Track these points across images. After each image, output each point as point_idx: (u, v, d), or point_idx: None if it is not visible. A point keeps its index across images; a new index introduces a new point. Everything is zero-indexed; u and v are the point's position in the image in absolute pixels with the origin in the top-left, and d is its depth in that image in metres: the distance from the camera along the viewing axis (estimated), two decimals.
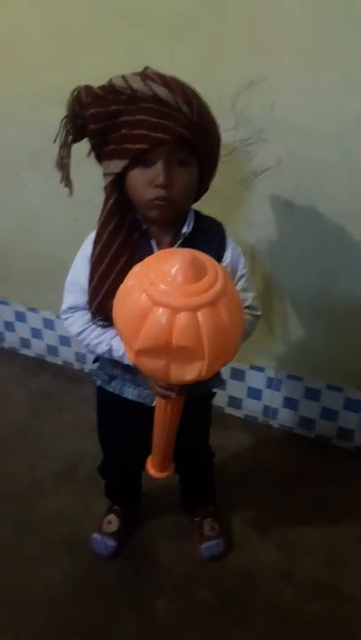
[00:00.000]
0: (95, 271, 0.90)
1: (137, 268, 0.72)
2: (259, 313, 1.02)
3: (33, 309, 1.85)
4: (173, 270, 0.66)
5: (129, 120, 0.81)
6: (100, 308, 0.89)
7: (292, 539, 1.31)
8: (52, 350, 1.91)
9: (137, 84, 0.80)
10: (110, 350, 0.95)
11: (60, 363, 1.92)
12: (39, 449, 1.56)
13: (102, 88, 0.82)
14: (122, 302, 0.71)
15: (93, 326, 0.96)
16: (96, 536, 1.27)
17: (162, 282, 0.66)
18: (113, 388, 1.05)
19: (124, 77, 0.81)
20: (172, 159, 0.82)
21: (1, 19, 1.38)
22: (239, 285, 0.98)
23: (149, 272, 0.68)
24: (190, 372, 0.70)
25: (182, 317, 0.65)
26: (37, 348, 1.93)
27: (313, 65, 1.13)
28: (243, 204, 1.34)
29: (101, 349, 0.96)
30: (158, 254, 0.74)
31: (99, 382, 1.08)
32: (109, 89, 0.81)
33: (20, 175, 1.60)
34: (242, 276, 0.98)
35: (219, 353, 0.69)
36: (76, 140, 0.88)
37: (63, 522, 1.34)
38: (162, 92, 0.79)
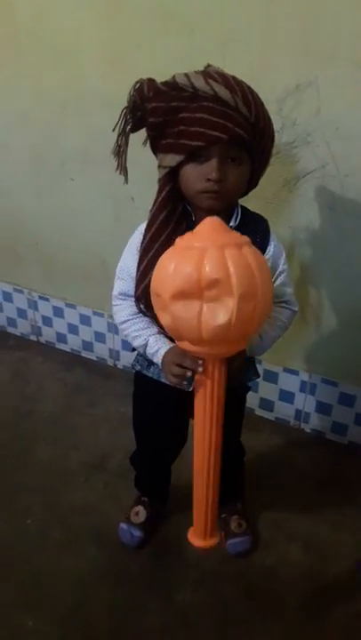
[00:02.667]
0: (144, 257, 0.93)
1: (170, 248, 0.80)
2: (296, 308, 1.04)
3: (71, 305, 1.90)
4: (201, 226, 0.76)
5: (188, 117, 0.83)
6: (146, 293, 0.92)
7: (320, 541, 1.30)
8: (87, 346, 1.95)
9: (199, 83, 0.82)
10: (146, 345, 0.99)
11: (94, 358, 1.96)
12: (71, 441, 1.59)
13: (165, 84, 0.85)
14: (157, 271, 0.79)
15: (137, 319, 1.00)
16: (123, 526, 1.29)
17: (193, 237, 0.76)
18: (151, 373, 1.07)
19: (186, 75, 0.83)
20: (225, 156, 0.85)
21: (55, 25, 1.45)
22: (279, 280, 1.00)
23: (182, 239, 0.78)
24: (221, 315, 0.72)
25: (211, 253, 0.72)
26: (73, 343, 1.98)
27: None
28: (285, 206, 1.35)
29: (138, 343, 1.00)
30: (189, 232, 0.80)
31: (138, 367, 1.10)
32: (172, 85, 0.84)
33: (68, 175, 1.65)
34: (282, 272, 1.01)
35: (247, 292, 0.72)
36: (134, 130, 0.91)
37: (92, 512, 1.36)
38: (223, 92, 0.81)
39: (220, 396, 0.87)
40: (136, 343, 1.01)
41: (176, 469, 1.30)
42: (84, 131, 1.53)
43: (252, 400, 1.67)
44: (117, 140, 0.92)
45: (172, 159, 0.87)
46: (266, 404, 1.67)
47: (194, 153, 0.85)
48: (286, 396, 1.63)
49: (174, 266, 0.73)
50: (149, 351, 0.98)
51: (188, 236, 0.78)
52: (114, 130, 0.92)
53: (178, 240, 0.78)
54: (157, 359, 0.97)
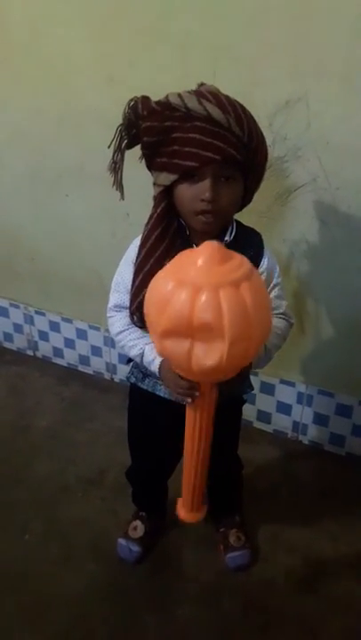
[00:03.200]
0: (139, 273, 0.94)
1: (168, 264, 0.77)
2: (292, 320, 1.05)
3: (67, 320, 1.90)
4: (199, 255, 0.70)
5: (181, 137, 0.84)
6: (140, 308, 0.93)
7: (320, 554, 1.29)
8: (84, 360, 1.95)
9: (192, 103, 0.83)
10: (142, 355, 0.99)
11: (91, 372, 1.96)
12: (68, 455, 1.59)
13: (158, 103, 0.86)
14: (151, 291, 0.75)
15: (132, 329, 1.00)
16: (121, 541, 1.28)
17: (188, 268, 0.70)
18: (146, 385, 1.08)
19: (180, 95, 0.84)
20: (219, 176, 0.86)
21: (50, 43, 1.47)
22: (274, 293, 1.02)
23: (178, 264, 0.73)
24: (212, 356, 0.70)
25: (204, 294, 0.68)
26: (70, 357, 1.98)
27: (351, 86, 1.17)
28: (278, 220, 1.37)
29: (134, 353, 1.01)
30: (189, 250, 0.77)
31: (133, 380, 1.11)
32: (165, 105, 0.85)
33: (64, 191, 1.67)
34: (276, 284, 1.02)
35: (240, 334, 0.69)
36: (130, 146, 0.92)
37: (90, 527, 1.36)
38: (215, 112, 0.82)
39: (211, 408, 0.89)
40: (132, 353, 1.01)
41: (173, 483, 1.30)
42: (79, 147, 1.55)
43: (249, 412, 1.67)
44: (113, 156, 0.93)
45: (166, 178, 0.88)
46: (263, 417, 1.68)
47: (187, 172, 0.86)
48: (283, 408, 1.63)
49: (167, 296, 0.70)
50: (146, 360, 0.99)
51: (185, 258, 0.74)
52: (109, 146, 0.93)
53: (175, 260, 0.75)
54: (154, 368, 0.97)
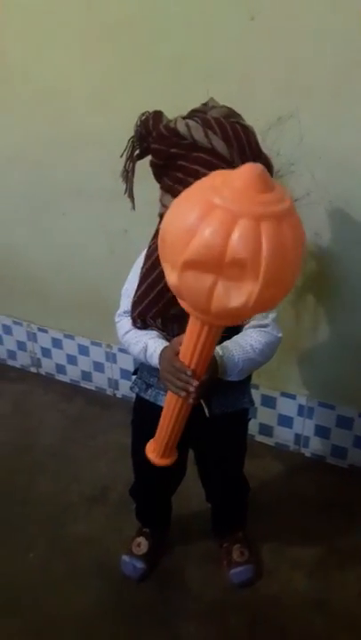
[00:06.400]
0: (142, 283, 0.97)
1: (195, 183, 0.66)
2: (278, 334, 1.02)
3: (69, 336, 1.91)
4: (240, 176, 0.60)
5: (186, 166, 0.87)
6: (141, 315, 0.96)
7: (325, 568, 1.29)
8: (86, 376, 1.96)
9: (198, 135, 0.85)
10: (145, 349, 1.00)
11: (93, 388, 1.97)
12: (71, 472, 1.59)
13: (167, 128, 0.88)
14: (176, 207, 0.64)
15: (135, 329, 1.02)
16: (125, 558, 1.28)
17: (226, 187, 0.59)
18: (149, 395, 1.10)
19: (187, 125, 0.86)
20: None
21: (46, 66, 1.50)
22: None
23: (212, 179, 0.62)
24: (237, 297, 0.61)
25: (244, 224, 0.58)
26: (72, 373, 1.99)
27: (341, 101, 1.19)
28: None
29: (137, 349, 1.01)
30: (221, 171, 0.67)
31: (136, 390, 1.13)
32: (173, 131, 0.87)
33: (61, 210, 1.69)
34: None
35: (275, 277, 0.60)
36: (141, 157, 0.95)
37: (93, 545, 1.36)
38: (220, 146, 0.84)
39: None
40: (136, 350, 1.02)
41: (177, 499, 1.30)
42: (76, 167, 1.57)
43: (251, 426, 1.66)
44: (125, 164, 0.96)
45: (170, 201, 0.89)
46: (265, 430, 1.68)
47: None
48: (285, 421, 1.63)
49: (194, 221, 0.59)
50: (148, 353, 0.99)
51: (217, 178, 0.63)
52: (121, 156, 0.95)
53: (205, 180, 0.65)
54: (155, 361, 0.97)
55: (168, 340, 0.98)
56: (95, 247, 1.68)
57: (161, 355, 0.95)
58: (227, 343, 0.97)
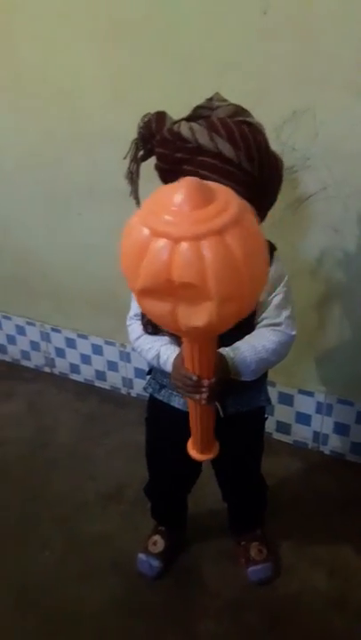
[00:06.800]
0: None
1: (143, 204, 0.65)
2: (293, 332, 1.00)
3: (83, 336, 1.92)
4: (175, 196, 0.58)
5: (192, 171, 0.83)
6: (151, 321, 0.94)
7: (345, 566, 1.27)
8: (101, 375, 1.96)
9: (203, 139, 0.82)
10: (158, 356, 0.99)
11: (107, 387, 1.97)
12: (87, 471, 1.59)
13: (170, 132, 0.86)
14: (123, 240, 0.65)
15: (147, 334, 1.01)
16: (141, 556, 1.28)
17: (164, 211, 0.59)
18: (162, 396, 1.09)
19: (191, 129, 0.83)
20: None
21: (58, 64, 1.50)
22: (275, 301, 0.98)
23: (152, 203, 0.62)
24: (199, 318, 0.61)
25: (184, 247, 0.57)
26: (86, 373, 1.99)
27: (357, 95, 1.17)
28: (289, 229, 1.36)
29: (151, 355, 1.01)
30: (165, 186, 0.65)
31: (150, 390, 1.12)
32: (177, 135, 0.84)
33: (76, 210, 1.69)
34: (278, 294, 0.98)
35: (230, 294, 0.60)
36: (145, 158, 0.93)
37: (109, 542, 1.35)
38: (226, 149, 0.82)
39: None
40: (149, 356, 1.01)
41: (194, 497, 1.29)
42: (90, 166, 1.57)
43: (268, 424, 1.64)
44: (129, 166, 0.94)
45: None
46: (283, 428, 1.66)
47: None
48: (303, 419, 1.62)
49: (139, 251, 0.60)
50: (161, 361, 0.99)
51: (161, 196, 0.62)
52: (125, 158, 0.94)
53: (151, 199, 0.64)
54: (168, 368, 0.97)
55: (180, 344, 0.97)
56: (110, 247, 1.66)
57: (173, 363, 0.95)
58: (239, 344, 0.96)
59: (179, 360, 0.92)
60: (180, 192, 0.58)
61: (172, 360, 0.96)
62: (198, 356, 0.81)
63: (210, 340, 0.78)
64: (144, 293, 0.63)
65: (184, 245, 0.57)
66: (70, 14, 1.41)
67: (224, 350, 0.94)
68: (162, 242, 0.58)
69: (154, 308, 0.64)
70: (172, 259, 0.57)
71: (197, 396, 0.87)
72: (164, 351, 0.98)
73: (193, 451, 1.01)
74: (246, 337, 0.97)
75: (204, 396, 0.86)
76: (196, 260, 0.57)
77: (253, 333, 0.98)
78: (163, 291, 0.60)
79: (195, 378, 0.85)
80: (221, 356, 0.92)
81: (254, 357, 0.95)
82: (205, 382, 0.85)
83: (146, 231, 0.59)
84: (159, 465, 1.24)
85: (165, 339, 1.00)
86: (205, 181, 0.62)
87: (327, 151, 1.25)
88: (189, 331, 0.65)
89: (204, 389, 0.86)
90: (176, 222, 0.58)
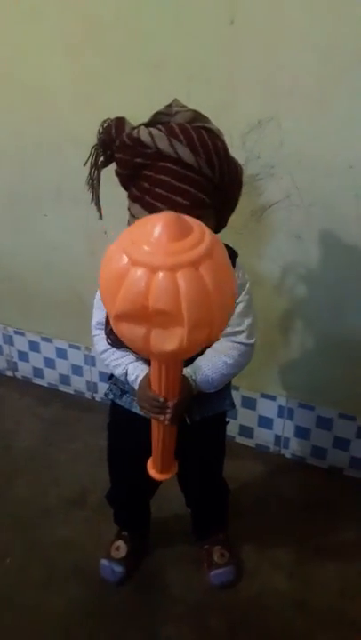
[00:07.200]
0: None
1: (122, 233, 0.69)
2: (251, 341, 1.00)
3: (47, 339, 1.89)
4: (155, 228, 0.63)
5: (152, 176, 0.84)
6: (113, 333, 0.94)
7: (305, 568, 1.29)
8: (65, 379, 1.94)
9: (162, 144, 0.82)
10: (126, 374, 1.01)
11: (71, 392, 1.94)
12: (50, 476, 1.57)
13: (130, 137, 0.85)
14: (103, 266, 0.68)
15: (115, 348, 1.01)
16: (104, 562, 1.27)
17: (143, 241, 0.63)
18: (123, 402, 1.09)
19: (151, 134, 0.83)
20: (189, 215, 0.86)
21: (28, 67, 1.48)
22: (237, 309, 0.98)
23: (132, 233, 0.66)
24: (170, 341, 0.66)
25: (160, 277, 0.61)
26: (50, 377, 1.96)
27: (321, 105, 1.20)
28: (253, 237, 1.39)
29: (119, 372, 1.02)
30: (145, 217, 0.69)
31: (111, 396, 1.12)
32: (136, 140, 0.84)
33: (42, 211, 1.67)
34: (241, 302, 0.99)
35: (200, 321, 0.64)
36: (105, 164, 0.93)
37: (72, 548, 1.34)
38: (186, 154, 0.81)
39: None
40: (117, 372, 1.02)
41: (157, 501, 1.29)
42: (57, 168, 1.56)
43: (231, 427, 1.67)
44: (90, 172, 0.94)
45: (140, 211, 0.87)
46: (245, 431, 1.68)
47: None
48: (265, 422, 1.64)
49: (118, 278, 0.63)
50: (129, 379, 1.00)
51: (140, 228, 0.65)
52: (85, 165, 0.94)
53: (129, 230, 0.67)
54: (136, 386, 0.98)
55: (146, 361, 0.98)
56: (75, 248, 1.67)
57: (139, 383, 0.97)
58: (199, 361, 0.98)
59: (145, 381, 0.94)
60: (158, 224, 0.63)
61: (139, 381, 0.97)
62: (165, 379, 0.84)
63: (177, 363, 0.82)
64: (120, 318, 0.66)
65: (161, 275, 0.61)
66: (41, 12, 1.39)
67: (186, 371, 0.96)
68: (140, 270, 0.62)
69: (129, 331, 0.67)
70: (149, 287, 0.62)
71: (162, 417, 0.89)
72: (132, 370, 0.99)
73: (152, 470, 1.03)
74: (207, 351, 0.98)
75: (168, 416, 0.89)
76: (171, 289, 0.61)
77: (214, 346, 0.98)
78: (138, 316, 0.64)
79: (161, 399, 0.87)
80: (185, 378, 0.94)
81: (216, 375, 0.98)
82: (170, 404, 0.88)
83: (125, 259, 0.63)
84: (121, 471, 1.23)
85: (131, 356, 1.00)
86: (182, 215, 0.66)
87: (291, 160, 1.28)
88: (160, 354, 0.69)
89: (168, 410, 0.88)
90: (154, 253, 0.62)
